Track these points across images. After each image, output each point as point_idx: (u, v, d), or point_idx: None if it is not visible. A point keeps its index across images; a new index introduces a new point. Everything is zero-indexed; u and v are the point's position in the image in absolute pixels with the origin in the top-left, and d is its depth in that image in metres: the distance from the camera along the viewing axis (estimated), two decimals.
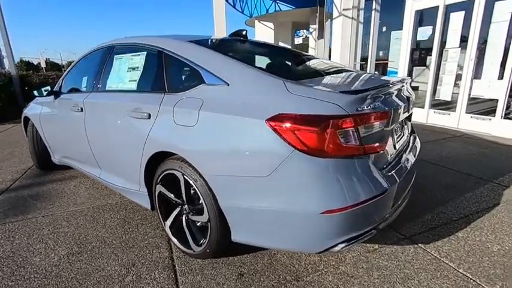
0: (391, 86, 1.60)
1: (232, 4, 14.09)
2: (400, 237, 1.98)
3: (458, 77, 5.12)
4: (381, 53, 7.87)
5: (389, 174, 1.44)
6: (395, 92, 1.59)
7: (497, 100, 4.56)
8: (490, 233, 2.00)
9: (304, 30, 18.84)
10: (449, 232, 2.02)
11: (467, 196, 2.55)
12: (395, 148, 1.62)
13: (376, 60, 7.49)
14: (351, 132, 1.24)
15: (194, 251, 1.74)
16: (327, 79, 1.69)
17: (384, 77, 1.97)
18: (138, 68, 2.01)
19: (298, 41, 20.94)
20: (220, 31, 7.76)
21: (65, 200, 2.74)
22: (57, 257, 1.89)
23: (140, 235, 2.11)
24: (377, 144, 1.36)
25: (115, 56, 2.25)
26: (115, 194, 2.79)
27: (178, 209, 1.82)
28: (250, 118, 1.31)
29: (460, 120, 5.11)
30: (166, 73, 1.80)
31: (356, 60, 8.14)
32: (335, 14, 8.24)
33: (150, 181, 1.91)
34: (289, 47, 2.66)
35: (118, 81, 2.16)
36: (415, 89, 6.53)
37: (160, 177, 1.80)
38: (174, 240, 1.86)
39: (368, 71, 7.62)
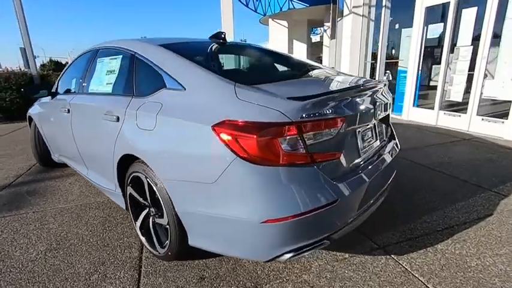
0: (358, 90, 1.54)
1: (244, 3, 14.04)
2: (374, 246, 1.91)
3: (470, 77, 4.84)
4: (393, 51, 7.60)
5: (347, 182, 1.39)
6: (361, 97, 1.53)
7: (511, 102, 4.27)
8: (473, 246, 1.88)
9: (321, 28, 18.52)
10: (428, 243, 1.92)
11: (459, 205, 2.41)
12: (359, 155, 1.56)
13: (386, 59, 7.23)
14: (295, 140, 1.20)
15: (159, 253, 1.77)
16: (286, 83, 1.65)
17: (363, 80, 1.91)
18: (114, 71, 2.06)
19: (316, 39, 20.62)
20: (227, 31, 7.77)
21: (57, 196, 2.86)
22: (35, 253, 1.98)
23: (117, 234, 2.16)
24: (329, 152, 1.32)
25: (98, 59, 2.32)
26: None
27: (146, 211, 1.85)
28: (199, 123, 1.31)
29: (471, 123, 4.84)
30: (135, 77, 1.83)
31: (367, 59, 7.90)
32: (345, 11, 8.03)
33: (123, 182, 1.95)
34: (274, 49, 2.54)
35: (98, 84, 2.23)
36: (432, 88, 6.25)
37: (129, 179, 1.84)
38: (143, 240, 1.90)
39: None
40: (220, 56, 2.11)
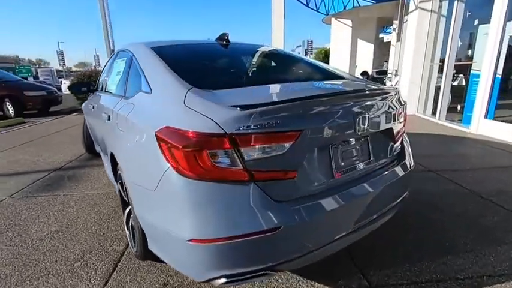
0: (333, 98, 1.31)
1: (305, 3, 13.67)
2: (363, 284, 1.61)
3: None
4: (469, 53, 6.47)
5: (305, 207, 1.18)
6: (337, 106, 1.29)
7: None
8: None
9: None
10: None
11: (501, 249, 1.89)
12: (332, 175, 1.32)
13: (459, 61, 6.19)
14: (229, 154, 1.06)
15: (134, 251, 1.80)
16: (253, 89, 1.48)
17: (359, 87, 1.62)
18: (120, 72, 2.18)
19: (388, 38, 19.05)
20: (277, 31, 7.64)
21: (88, 183, 3.20)
22: (46, 232, 2.23)
23: (115, 226, 2.29)
24: (276, 170, 1.14)
25: (115, 60, 2.50)
26: None
27: (128, 208, 1.91)
28: (149, 128, 1.27)
29: None
30: (128, 78, 1.90)
31: (434, 61, 6.90)
32: (411, 7, 7.17)
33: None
34: (284, 52, 2.32)
35: (110, 84, 2.40)
36: None
37: (118, 176, 1.92)
38: (127, 235, 1.96)
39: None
40: (214, 57, 2.04)
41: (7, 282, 1.71)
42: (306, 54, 61.74)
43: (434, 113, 6.60)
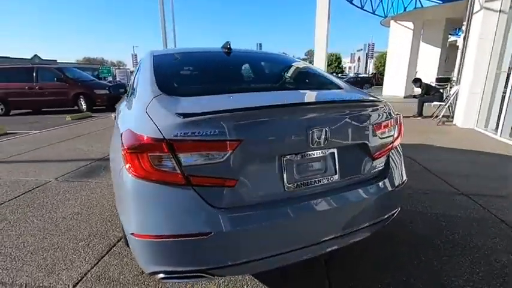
0: (293, 109, 1.30)
1: (359, 5, 12.99)
2: None
3: None
4: None
5: (244, 215, 1.20)
6: (290, 116, 1.28)
7: None
8: None
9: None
10: None
11: None
12: (283, 188, 1.30)
13: None
14: (167, 158, 1.14)
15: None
16: (222, 97, 1.51)
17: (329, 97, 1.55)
18: (133, 77, 2.43)
19: (460, 41, 17.12)
20: (320, 35, 7.45)
21: None
22: (69, 213, 2.60)
23: None
24: (214, 177, 1.17)
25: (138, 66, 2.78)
26: None
27: None
28: (120, 130, 1.42)
29: None
30: (133, 82, 2.12)
31: (500, 68, 5.99)
32: (476, 7, 6.36)
33: None
34: (280, 57, 2.28)
35: (128, 87, 2.67)
36: None
37: None
38: None
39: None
40: (203, 65, 2.15)
41: (25, 250, 2.05)
42: (366, 59, 58.46)
43: (497, 128, 5.72)
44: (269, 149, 1.25)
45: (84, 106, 10.22)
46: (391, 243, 2.07)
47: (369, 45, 63.31)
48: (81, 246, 2.09)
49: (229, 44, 2.24)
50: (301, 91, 1.80)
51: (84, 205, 2.75)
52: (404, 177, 1.74)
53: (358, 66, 67.24)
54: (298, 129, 1.27)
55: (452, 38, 18.28)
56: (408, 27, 14.57)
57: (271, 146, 1.25)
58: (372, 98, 1.62)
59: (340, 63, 53.61)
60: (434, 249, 2.01)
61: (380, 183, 1.53)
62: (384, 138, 1.56)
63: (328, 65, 52.87)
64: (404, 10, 13.13)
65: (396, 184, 1.61)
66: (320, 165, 1.39)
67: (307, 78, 2.16)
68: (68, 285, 1.71)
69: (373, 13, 14.29)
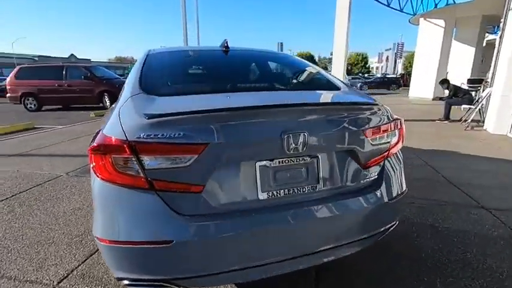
0: (268, 111, 1.21)
1: (386, 3, 12.34)
2: None
3: None
4: None
5: (208, 224, 1.12)
6: (266, 121, 1.19)
7: None
8: None
9: None
10: None
11: None
12: (256, 196, 1.20)
13: None
14: (129, 161, 1.08)
15: None
16: (202, 97, 1.43)
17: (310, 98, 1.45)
18: None
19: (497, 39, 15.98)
20: (340, 33, 7.16)
21: None
22: (71, 208, 2.66)
23: None
24: (178, 182, 1.10)
25: None
26: None
27: None
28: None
29: None
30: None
31: None
32: None
33: None
34: (277, 55, 2.20)
35: None
36: None
37: None
38: None
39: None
40: (193, 64, 2.10)
41: (23, 243, 2.12)
42: (395, 59, 56.11)
43: None
44: (240, 154, 1.17)
45: (108, 103, 10.63)
46: (390, 258, 1.90)
47: (398, 44, 60.75)
48: (74, 242, 2.12)
49: (227, 43, 2.18)
50: (288, 92, 1.69)
51: (86, 200, 2.80)
52: (404, 188, 1.57)
53: (386, 67, 64.71)
54: (272, 133, 1.16)
55: (490, 37, 16.98)
56: (439, 25, 13.72)
57: (242, 151, 1.16)
58: (364, 101, 1.47)
59: (366, 63, 51.84)
60: (440, 268, 1.82)
61: (372, 195, 1.39)
62: (377, 144, 1.41)
63: (354, 65, 51.32)
64: (435, 7, 12.36)
65: (393, 195, 1.46)
66: (301, 173, 1.28)
67: (301, 78, 2.04)
68: (53, 282, 1.72)
69: (401, 11, 13.55)
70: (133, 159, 1.08)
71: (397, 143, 1.53)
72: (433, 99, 13.18)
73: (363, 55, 50.42)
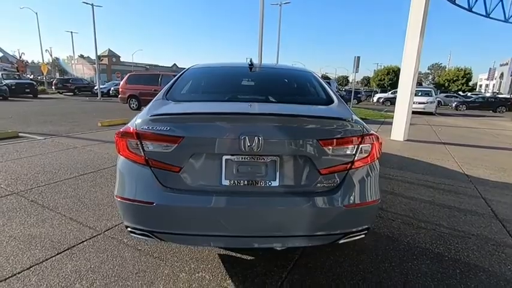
0: (231, 117, 1.60)
1: (467, 7, 10.13)
2: None
3: None
4: None
5: (181, 196, 1.54)
6: (228, 125, 1.56)
7: None
8: None
9: None
10: None
11: None
12: (220, 182, 1.56)
13: None
14: (136, 144, 1.58)
15: None
16: (201, 104, 1.88)
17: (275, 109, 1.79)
18: None
19: None
20: (411, 49, 6.62)
21: None
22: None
23: None
24: (164, 162, 1.54)
25: None
26: None
27: None
28: None
29: None
30: None
31: None
32: None
33: None
34: (291, 71, 2.89)
35: None
36: None
37: None
38: None
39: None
40: (216, 77, 2.60)
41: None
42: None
43: None
44: (209, 148, 1.54)
45: (133, 106, 12.68)
46: None
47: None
48: (74, 229, 2.39)
49: (251, 60, 2.59)
50: (273, 104, 2.01)
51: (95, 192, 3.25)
52: (374, 198, 1.66)
53: (499, 84, 54.18)
54: (233, 134, 1.51)
55: None
56: None
57: (211, 146, 1.54)
58: (331, 116, 1.66)
59: (469, 80, 44.54)
60: None
61: (327, 198, 1.56)
62: (337, 155, 1.58)
63: (453, 82, 44.54)
64: None
65: (352, 203, 1.59)
66: (261, 169, 1.58)
67: (297, 93, 2.30)
68: (102, 230, 2.39)
69: (487, 16, 11.20)
70: (138, 143, 1.59)
71: (367, 157, 1.64)
72: None
73: (465, 70, 43.54)
